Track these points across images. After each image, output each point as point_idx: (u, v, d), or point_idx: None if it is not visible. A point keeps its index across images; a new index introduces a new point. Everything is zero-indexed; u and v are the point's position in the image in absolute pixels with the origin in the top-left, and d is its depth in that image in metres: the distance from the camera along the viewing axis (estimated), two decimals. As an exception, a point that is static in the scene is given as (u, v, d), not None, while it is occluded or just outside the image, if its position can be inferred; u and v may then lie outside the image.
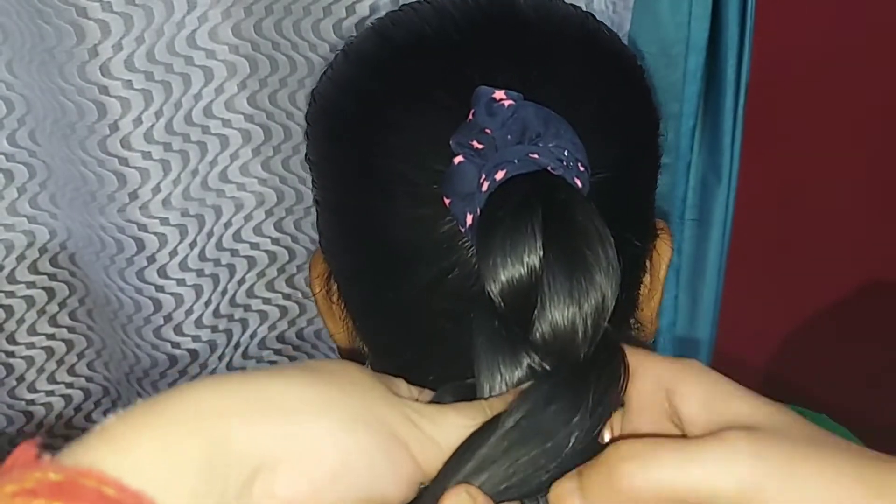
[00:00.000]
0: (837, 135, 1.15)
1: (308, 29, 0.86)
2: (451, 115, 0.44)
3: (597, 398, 0.40)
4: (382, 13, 0.83)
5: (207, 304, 0.98)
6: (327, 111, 0.50)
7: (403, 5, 0.52)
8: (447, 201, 0.43)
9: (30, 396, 1.06)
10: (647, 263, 0.51)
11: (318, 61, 0.88)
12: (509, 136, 0.42)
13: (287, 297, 1.04)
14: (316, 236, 0.98)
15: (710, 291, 1.01)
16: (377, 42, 0.51)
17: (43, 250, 0.99)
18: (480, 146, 0.43)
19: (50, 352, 1.05)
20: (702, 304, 1.02)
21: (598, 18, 0.52)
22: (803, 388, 1.28)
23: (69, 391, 1.07)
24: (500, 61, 0.46)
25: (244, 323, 1.03)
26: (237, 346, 1.04)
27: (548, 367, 0.41)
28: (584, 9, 0.53)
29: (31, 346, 1.04)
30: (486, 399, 0.41)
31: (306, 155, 0.52)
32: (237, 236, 0.98)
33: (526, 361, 0.41)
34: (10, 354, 1.03)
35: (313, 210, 0.98)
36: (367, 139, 0.47)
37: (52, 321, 1.03)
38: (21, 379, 1.05)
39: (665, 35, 0.92)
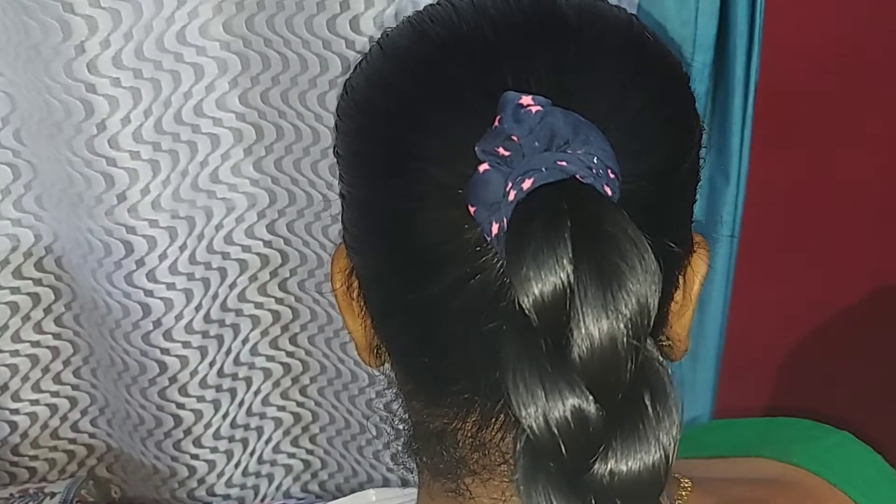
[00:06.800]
0: (847, 135, 1.15)
1: (301, 25, 0.85)
2: (483, 119, 0.44)
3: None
4: (378, 8, 0.84)
5: (198, 308, 0.97)
6: (360, 107, 0.50)
7: None
8: (472, 209, 0.43)
9: (14, 406, 1.05)
10: (681, 279, 0.51)
11: (311, 58, 0.87)
12: (536, 143, 0.42)
13: (280, 301, 1.03)
14: (309, 239, 0.99)
15: (719, 293, 1.00)
16: (414, 39, 0.50)
17: (28, 254, 0.98)
18: (507, 153, 0.43)
19: (35, 359, 1.03)
20: (711, 307, 1.01)
21: (642, 21, 0.51)
22: (813, 390, 1.28)
23: (55, 400, 1.06)
24: (536, 66, 0.46)
25: (236, 328, 1.02)
26: (228, 351, 1.03)
27: (590, 398, 0.41)
28: None
29: (15, 353, 1.02)
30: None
31: (334, 148, 0.52)
32: (228, 239, 0.97)
33: (564, 385, 0.41)
34: (-6, 362, 1.02)
35: (306, 212, 0.99)
36: (400, 140, 0.47)
37: (37, 328, 1.02)
38: (5, 388, 1.03)
39: (671, 32, 0.91)
